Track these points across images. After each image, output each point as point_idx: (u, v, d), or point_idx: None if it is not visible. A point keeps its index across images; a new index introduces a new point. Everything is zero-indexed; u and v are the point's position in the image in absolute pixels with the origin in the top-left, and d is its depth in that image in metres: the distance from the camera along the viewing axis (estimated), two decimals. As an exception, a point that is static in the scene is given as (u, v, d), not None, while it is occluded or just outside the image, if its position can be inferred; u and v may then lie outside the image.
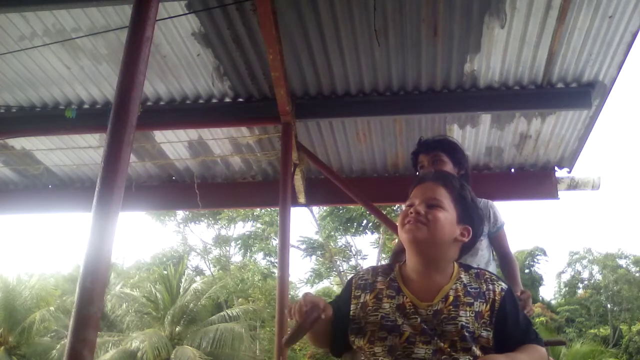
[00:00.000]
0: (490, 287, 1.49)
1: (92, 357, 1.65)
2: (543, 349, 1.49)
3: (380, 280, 1.57)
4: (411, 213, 1.51)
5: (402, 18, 3.24)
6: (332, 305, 1.56)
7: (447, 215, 1.51)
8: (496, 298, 1.47)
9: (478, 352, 1.42)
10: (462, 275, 1.52)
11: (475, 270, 1.55)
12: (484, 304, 1.46)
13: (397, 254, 2.76)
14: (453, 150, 2.69)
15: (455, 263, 1.56)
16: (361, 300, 1.55)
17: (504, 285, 1.51)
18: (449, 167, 2.62)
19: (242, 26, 3.32)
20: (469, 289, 1.48)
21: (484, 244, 2.61)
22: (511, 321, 1.46)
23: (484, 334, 1.44)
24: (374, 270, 1.62)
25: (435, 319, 1.44)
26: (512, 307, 1.48)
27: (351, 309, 1.55)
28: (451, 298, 1.46)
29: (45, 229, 56.05)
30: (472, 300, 1.46)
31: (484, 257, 2.59)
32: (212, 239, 23.26)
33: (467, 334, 1.41)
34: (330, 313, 1.45)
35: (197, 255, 24.97)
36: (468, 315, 1.44)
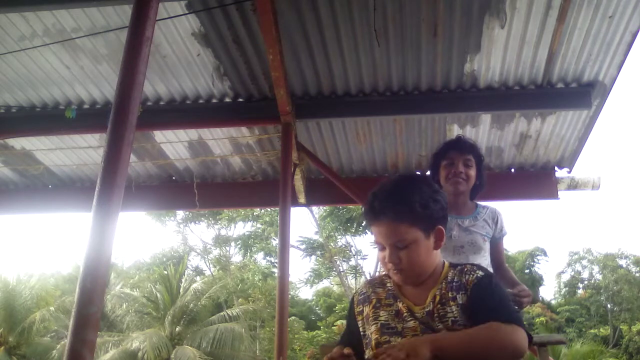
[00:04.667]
0: (467, 277, 1.50)
1: (92, 357, 1.65)
2: (511, 328, 1.38)
3: (377, 291, 1.62)
4: (389, 264, 1.52)
5: (402, 18, 3.24)
6: (345, 335, 1.69)
7: (419, 246, 1.50)
8: (469, 286, 1.48)
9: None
10: (449, 274, 1.54)
11: (460, 267, 1.56)
12: (464, 295, 1.47)
13: None
14: (480, 160, 2.73)
15: (446, 262, 1.59)
16: (364, 314, 1.61)
17: (479, 274, 1.50)
18: (473, 172, 2.66)
19: (242, 26, 3.32)
20: (452, 284, 1.51)
21: (487, 245, 2.62)
22: (479, 304, 1.44)
23: (469, 324, 1.45)
24: (371, 282, 1.68)
25: (430, 319, 1.47)
26: (481, 293, 1.46)
27: (359, 325, 1.61)
28: (438, 297, 1.50)
29: (45, 229, 56.05)
30: (454, 294, 1.48)
31: (486, 259, 2.59)
32: (212, 239, 23.27)
33: (459, 327, 1.44)
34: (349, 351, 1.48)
35: (197, 255, 24.99)
36: (454, 310, 1.46)
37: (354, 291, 1.90)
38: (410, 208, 1.48)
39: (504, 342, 1.36)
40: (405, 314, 1.51)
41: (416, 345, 1.36)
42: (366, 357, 1.55)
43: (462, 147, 2.70)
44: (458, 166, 2.63)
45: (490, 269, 2.62)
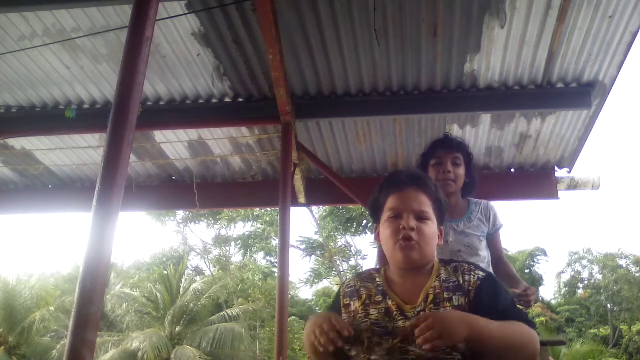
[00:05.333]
0: (467, 278, 1.47)
1: (92, 357, 1.65)
2: (531, 330, 1.39)
3: (367, 286, 1.58)
4: (404, 229, 1.49)
5: (402, 18, 3.24)
6: None
7: (434, 226, 1.54)
8: (471, 288, 1.44)
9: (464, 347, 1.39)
10: (441, 272, 1.51)
11: (454, 264, 1.53)
12: (463, 297, 1.44)
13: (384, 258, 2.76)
14: (469, 157, 2.73)
15: (435, 259, 1.56)
16: (351, 309, 1.56)
17: (480, 274, 1.48)
18: (462, 171, 2.66)
19: (242, 26, 3.32)
20: (447, 285, 1.47)
21: (483, 244, 2.60)
22: (488, 306, 1.40)
23: None
24: (359, 276, 1.64)
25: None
26: (489, 295, 1.43)
27: (344, 318, 1.56)
28: (431, 297, 1.45)
29: (45, 229, 56.04)
30: (450, 295, 1.44)
31: (485, 257, 2.58)
32: (212, 239, 23.27)
33: None
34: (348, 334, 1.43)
35: (197, 255, 24.99)
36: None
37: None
38: (436, 191, 1.59)
39: (529, 340, 1.36)
40: (396, 312, 1.46)
41: (453, 324, 1.29)
42: (353, 354, 1.48)
43: (449, 145, 2.70)
44: (446, 165, 2.62)
45: (490, 268, 2.62)
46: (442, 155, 2.66)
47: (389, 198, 1.57)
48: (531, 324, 1.40)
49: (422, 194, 1.54)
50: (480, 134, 4.29)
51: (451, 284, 1.46)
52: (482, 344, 1.32)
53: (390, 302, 1.49)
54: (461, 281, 1.46)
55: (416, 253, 1.49)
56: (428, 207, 1.54)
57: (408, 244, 1.48)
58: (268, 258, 22.86)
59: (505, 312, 1.40)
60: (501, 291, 1.47)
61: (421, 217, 1.51)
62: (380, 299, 1.51)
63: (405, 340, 1.41)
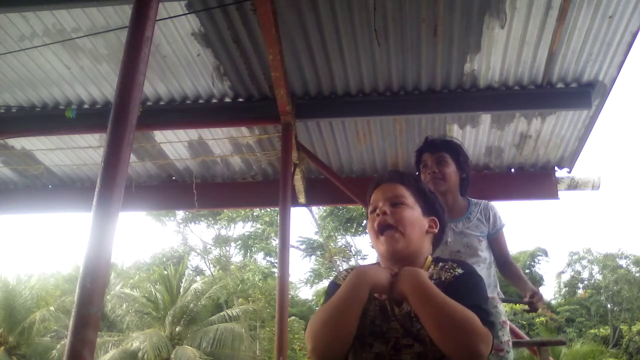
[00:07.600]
0: (446, 275, 1.42)
1: (92, 357, 1.65)
2: (482, 325, 1.24)
3: None
4: (378, 215, 1.50)
5: (402, 18, 3.24)
6: None
7: (413, 212, 1.53)
8: (445, 284, 1.38)
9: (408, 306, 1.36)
10: (430, 269, 1.47)
11: (442, 263, 1.48)
12: None
13: None
14: (457, 153, 2.71)
15: (429, 257, 1.52)
16: None
17: (458, 271, 1.41)
18: (452, 169, 2.64)
19: (242, 26, 3.32)
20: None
21: (483, 245, 2.58)
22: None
23: None
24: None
25: (408, 321, 1.37)
26: (457, 290, 1.34)
27: None
28: None
29: (45, 229, 55.98)
30: None
31: (485, 258, 2.56)
32: (212, 239, 23.28)
33: None
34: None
35: (197, 255, 25.00)
36: None
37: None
38: (416, 181, 1.62)
39: (474, 329, 1.23)
40: (389, 312, 1.40)
41: (403, 275, 1.37)
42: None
43: (431, 147, 2.72)
44: (431, 167, 2.63)
45: (491, 268, 2.61)
46: (426, 158, 2.69)
47: (372, 194, 1.61)
48: (489, 325, 1.28)
49: (397, 184, 1.57)
50: (480, 134, 4.29)
51: (434, 281, 1.39)
52: (421, 300, 1.29)
53: (384, 301, 1.42)
54: (442, 278, 1.41)
55: (398, 243, 1.46)
56: (404, 194, 1.54)
57: (389, 233, 1.47)
58: (268, 258, 22.87)
59: (469, 306, 1.28)
60: (473, 289, 1.38)
61: (395, 203, 1.52)
62: (376, 295, 1.43)
63: (399, 344, 1.35)
